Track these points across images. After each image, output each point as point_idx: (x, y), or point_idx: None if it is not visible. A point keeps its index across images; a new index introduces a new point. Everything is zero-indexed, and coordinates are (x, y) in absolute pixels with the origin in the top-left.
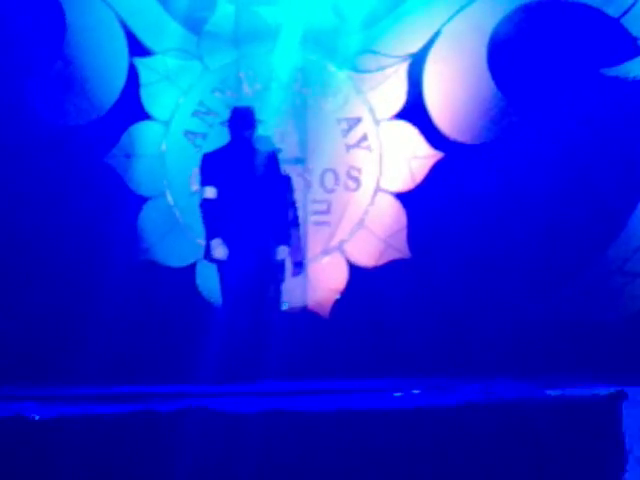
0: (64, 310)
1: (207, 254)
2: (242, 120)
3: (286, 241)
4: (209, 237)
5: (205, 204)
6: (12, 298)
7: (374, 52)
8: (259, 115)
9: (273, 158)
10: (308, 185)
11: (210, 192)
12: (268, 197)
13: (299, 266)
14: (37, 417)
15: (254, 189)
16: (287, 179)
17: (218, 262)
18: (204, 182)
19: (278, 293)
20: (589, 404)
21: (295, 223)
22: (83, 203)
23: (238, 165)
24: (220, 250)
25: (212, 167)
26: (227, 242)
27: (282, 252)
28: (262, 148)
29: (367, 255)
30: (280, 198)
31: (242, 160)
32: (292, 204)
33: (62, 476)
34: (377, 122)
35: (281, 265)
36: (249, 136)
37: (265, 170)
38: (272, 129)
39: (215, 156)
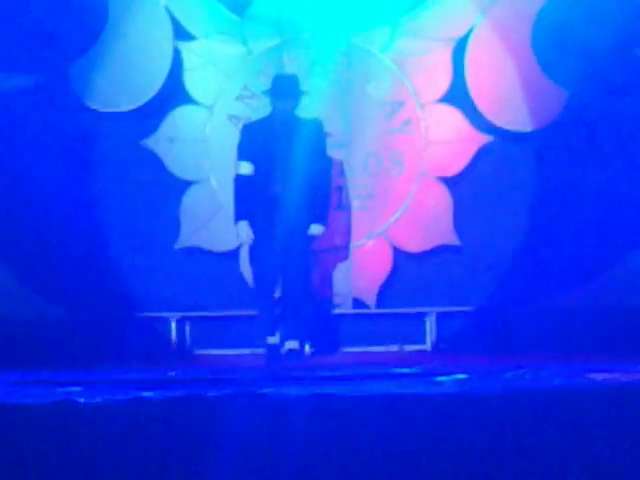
0: (108, 295)
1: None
2: (284, 89)
3: (324, 222)
4: (238, 216)
5: (238, 180)
6: (55, 284)
7: (418, 36)
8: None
9: (320, 134)
10: (351, 169)
11: (245, 167)
12: (312, 175)
13: (345, 250)
14: (82, 401)
15: (296, 165)
16: (336, 162)
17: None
18: (241, 156)
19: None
20: (633, 389)
21: (341, 206)
22: (128, 189)
23: (279, 138)
24: (245, 232)
25: (251, 139)
26: (261, 221)
27: (316, 230)
28: (308, 123)
29: (412, 240)
30: (325, 178)
31: (284, 133)
32: (338, 188)
33: (108, 460)
34: (421, 106)
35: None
36: (292, 107)
37: (310, 146)
38: (315, 113)
39: (255, 127)
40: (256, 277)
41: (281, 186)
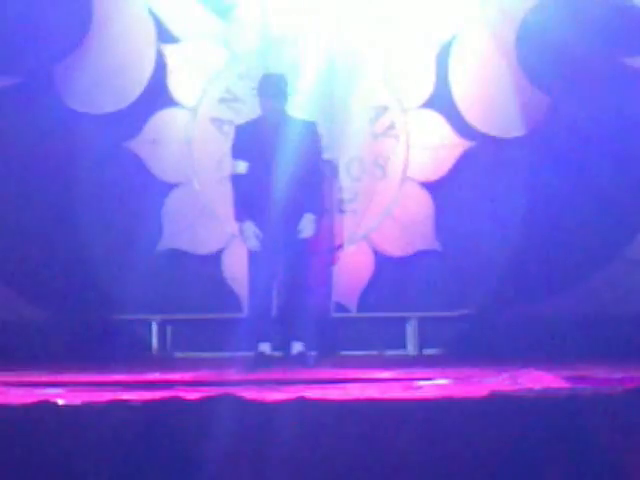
0: (89, 297)
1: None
2: (271, 88)
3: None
4: (240, 217)
5: (235, 179)
6: (37, 286)
7: (403, 41)
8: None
9: (314, 136)
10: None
11: (241, 166)
12: (304, 175)
13: (330, 253)
14: (62, 402)
15: (290, 166)
16: (329, 162)
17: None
18: (235, 155)
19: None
20: (612, 396)
21: (334, 209)
22: (110, 191)
23: (272, 139)
24: (253, 232)
25: (245, 140)
26: (258, 222)
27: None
28: (302, 124)
29: (393, 244)
30: (317, 178)
31: (277, 134)
32: (331, 189)
33: (86, 463)
34: (404, 111)
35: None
36: (280, 107)
37: (304, 148)
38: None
39: (248, 128)
40: (252, 280)
41: (278, 187)
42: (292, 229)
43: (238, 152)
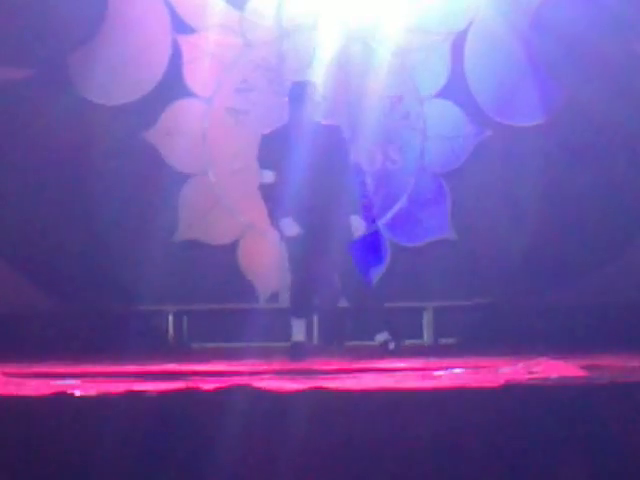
0: (105, 288)
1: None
2: (295, 95)
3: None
4: (277, 217)
5: (262, 189)
6: (53, 276)
7: (418, 29)
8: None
9: (339, 138)
10: None
11: (267, 176)
12: (336, 179)
13: None
14: (77, 394)
15: (320, 170)
16: (356, 165)
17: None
18: (262, 165)
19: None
20: (629, 385)
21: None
22: (126, 182)
23: (300, 144)
24: (291, 228)
25: (270, 149)
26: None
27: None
28: (326, 127)
29: (409, 234)
30: (349, 181)
31: (304, 139)
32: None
33: (102, 454)
34: (420, 100)
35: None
36: (303, 113)
37: (330, 150)
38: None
39: (275, 136)
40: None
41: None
42: (329, 234)
43: (264, 161)
